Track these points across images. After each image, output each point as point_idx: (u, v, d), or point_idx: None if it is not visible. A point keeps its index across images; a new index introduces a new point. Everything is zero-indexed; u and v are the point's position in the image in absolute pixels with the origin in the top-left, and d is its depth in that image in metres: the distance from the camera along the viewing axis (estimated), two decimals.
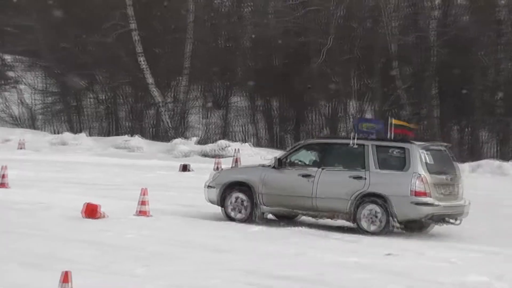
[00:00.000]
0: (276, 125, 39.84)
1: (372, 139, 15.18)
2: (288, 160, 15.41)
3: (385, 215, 14.37)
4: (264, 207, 15.33)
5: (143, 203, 15.58)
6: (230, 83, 41.66)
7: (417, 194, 14.29)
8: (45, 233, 13.05)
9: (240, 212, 15.41)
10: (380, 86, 37.44)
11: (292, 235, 14.16)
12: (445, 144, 16.38)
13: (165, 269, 10.64)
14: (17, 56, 42.67)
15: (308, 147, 15.86)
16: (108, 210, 15.02)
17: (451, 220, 14.89)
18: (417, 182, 14.29)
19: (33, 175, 22.25)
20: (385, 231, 14.41)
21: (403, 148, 14.67)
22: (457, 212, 14.94)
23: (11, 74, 42.23)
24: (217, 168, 27.45)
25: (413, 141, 14.95)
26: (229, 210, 15.50)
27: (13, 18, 39.38)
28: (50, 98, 40.85)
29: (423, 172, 14.40)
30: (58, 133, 37.83)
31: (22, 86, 40.90)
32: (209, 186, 15.90)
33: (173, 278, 10.07)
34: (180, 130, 38.48)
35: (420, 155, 14.54)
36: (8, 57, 42.76)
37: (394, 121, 15.98)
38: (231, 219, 15.40)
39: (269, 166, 15.64)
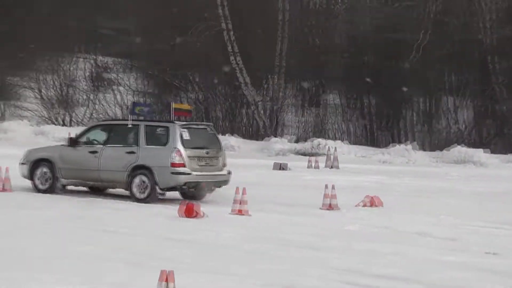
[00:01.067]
0: (372, 122, 39.55)
1: (144, 120, 17.54)
2: (81, 139, 17.79)
3: (151, 184, 16.67)
4: (63, 179, 17.69)
5: (240, 202, 15.72)
6: (323, 81, 41.56)
7: (174, 165, 16.63)
8: (144, 232, 13.29)
9: (44, 184, 17.74)
10: (476, 81, 36.74)
11: (387, 235, 14.07)
12: (209, 123, 19.83)
13: (262, 267, 10.71)
14: (114, 58, 43.57)
15: (97, 128, 18.48)
16: (205, 209, 15.21)
17: (214, 187, 17.54)
18: (174, 155, 16.52)
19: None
20: (151, 198, 16.73)
21: (166, 127, 17.12)
22: (216, 180, 17.48)
23: (109, 76, 43.16)
24: (312, 167, 27.51)
25: (175, 122, 17.39)
26: (37, 182, 17.89)
27: (111, 21, 40.26)
28: (147, 99, 41.55)
29: (180, 146, 16.70)
30: None
31: (119, 88, 41.74)
32: (21, 163, 18.25)
33: (270, 277, 10.12)
34: (275, 128, 38.61)
35: (179, 133, 16.90)
36: (106, 59, 43.70)
37: (174, 105, 18.85)
38: (38, 190, 17.77)
39: (67, 145, 17.99)
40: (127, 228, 13.63)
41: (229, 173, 17.89)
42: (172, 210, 15.24)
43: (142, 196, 16.83)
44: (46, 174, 17.82)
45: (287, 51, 38.90)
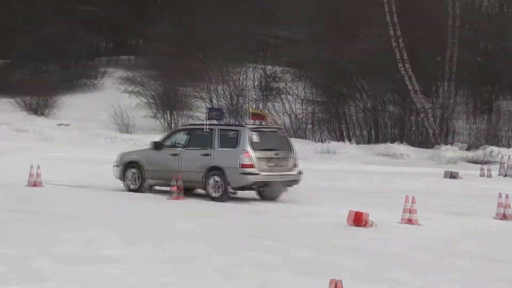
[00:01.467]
0: None
1: (219, 124, 18.91)
2: (164, 143, 19.34)
3: (223, 183, 17.90)
4: (150, 180, 19.26)
5: (410, 210, 15.42)
6: (497, 87, 40.26)
7: (244, 166, 17.77)
8: (313, 241, 13.26)
9: (134, 184, 19.32)
10: None
11: None
12: (279, 126, 21.68)
13: (434, 278, 10.42)
14: (283, 68, 44.00)
15: (178, 132, 20.02)
16: (374, 217, 15.02)
17: (286, 187, 18.61)
18: (243, 156, 17.64)
19: (300, 183, 22.76)
20: (224, 197, 18.03)
21: (237, 131, 18.38)
22: (286, 180, 18.50)
23: (277, 85, 43.63)
24: (484, 175, 26.70)
25: (245, 125, 18.86)
26: (128, 183, 19.48)
27: (280, 31, 40.73)
28: (315, 107, 41.69)
29: (249, 148, 17.79)
30: (324, 141, 38.49)
31: (289, 97, 42.09)
32: (115, 166, 19.90)
33: None
34: (445, 136, 37.77)
35: (249, 136, 18.04)
36: (275, 69, 44.21)
37: (251, 110, 20.37)
38: (130, 190, 19.29)
39: (152, 148, 19.38)
40: (297, 236, 13.64)
41: (300, 173, 18.85)
42: (341, 219, 15.15)
43: (216, 195, 18.14)
44: (135, 175, 19.40)
45: (457, 57, 37.98)
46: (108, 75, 53.98)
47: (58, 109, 47.01)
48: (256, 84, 43.49)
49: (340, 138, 38.92)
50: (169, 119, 43.26)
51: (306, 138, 40.02)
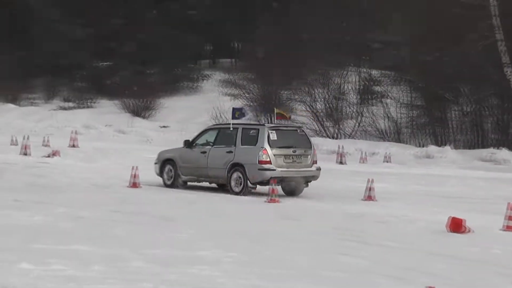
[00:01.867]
0: None
1: (242, 123, 20.28)
2: (195, 142, 20.70)
3: (244, 179, 19.13)
4: (183, 176, 20.58)
5: (510, 217, 15.00)
6: None
7: (261, 162, 18.95)
8: (409, 246, 13.07)
9: (170, 180, 20.75)
10: None
11: None
12: (299, 126, 23.11)
13: None
14: (383, 71, 43.58)
15: (208, 131, 21.05)
16: (473, 224, 14.68)
17: (305, 184, 19.71)
18: (261, 153, 18.85)
19: (397, 188, 22.51)
20: (244, 191, 19.23)
21: (257, 129, 19.71)
22: (303, 176, 19.54)
23: (377, 89, 43.23)
24: None
25: (265, 124, 21.04)
26: (165, 178, 20.94)
27: (380, 34, 40.37)
28: (415, 111, 41.13)
29: (267, 146, 19.04)
30: (423, 146, 37.92)
31: (388, 100, 41.66)
32: (155, 163, 21.43)
33: None
34: None
35: (267, 134, 19.29)
36: (375, 72, 43.83)
37: (276, 110, 21.79)
38: (166, 185, 20.78)
39: (185, 147, 20.82)
40: (391, 241, 13.46)
41: (318, 169, 19.92)
42: (439, 224, 14.87)
43: (238, 189, 19.43)
44: (171, 172, 20.79)
45: None
46: (209, 78, 54.64)
47: (158, 112, 47.82)
48: (356, 87, 43.20)
49: (442, 143, 38.24)
50: (269, 122, 43.39)
51: (405, 142, 39.50)
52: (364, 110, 42.05)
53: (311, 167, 19.79)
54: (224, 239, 12.92)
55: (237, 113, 20.71)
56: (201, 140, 20.68)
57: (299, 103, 43.04)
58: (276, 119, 21.40)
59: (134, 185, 20.10)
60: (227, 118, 42.83)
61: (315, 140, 38.15)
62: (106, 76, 55.30)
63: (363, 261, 11.54)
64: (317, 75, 42.91)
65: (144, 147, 35.82)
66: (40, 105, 53.04)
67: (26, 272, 9.80)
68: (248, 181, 19.24)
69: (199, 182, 20.56)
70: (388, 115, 40.77)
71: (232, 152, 19.63)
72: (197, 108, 47.15)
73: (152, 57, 53.54)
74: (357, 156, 34.16)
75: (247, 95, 44.56)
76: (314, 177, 19.84)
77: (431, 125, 40.24)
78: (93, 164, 26.52)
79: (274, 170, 19.11)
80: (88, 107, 51.83)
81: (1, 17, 57.35)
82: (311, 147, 20.03)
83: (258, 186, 19.46)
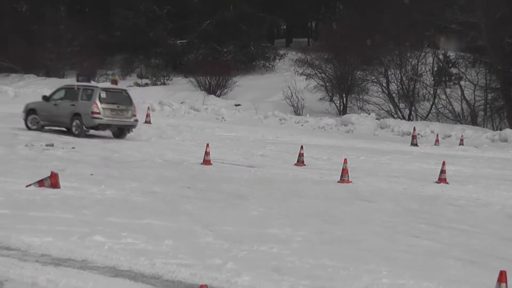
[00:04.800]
0: None
1: (83, 85, 26.46)
2: (51, 97, 26.98)
3: (81, 125, 25.60)
4: (42, 122, 26.64)
5: None
6: None
7: (93, 113, 25.34)
8: (482, 230, 12.87)
9: (34, 125, 26.71)
10: None
11: None
12: (125, 89, 28.41)
13: None
14: (460, 53, 42.88)
15: (61, 89, 27.32)
16: None
17: (130, 131, 26.49)
18: (93, 106, 25.26)
19: (471, 171, 22.17)
20: (82, 133, 25.60)
21: (92, 89, 26.01)
22: (124, 124, 26.20)
23: (454, 70, 42.60)
24: None
25: (97, 86, 26.73)
26: (29, 124, 26.82)
27: (458, 15, 39.67)
28: (491, 94, 40.40)
29: (98, 101, 25.40)
30: (499, 129, 37.26)
31: (464, 83, 41.02)
32: (22, 112, 27.39)
33: None
34: None
35: (99, 93, 25.60)
36: (451, 54, 43.16)
37: (111, 77, 28.58)
38: (29, 129, 26.65)
39: (43, 100, 27.01)
40: (465, 224, 13.28)
41: (136, 121, 26.37)
42: None
43: (76, 132, 25.65)
44: (35, 119, 27.00)
45: None
46: (284, 57, 54.58)
47: (232, 90, 48.00)
48: (432, 69, 42.62)
49: None
50: (344, 102, 43.18)
51: (480, 125, 38.86)
52: (439, 92, 41.49)
53: (130, 118, 26.07)
54: (294, 218, 12.91)
55: (81, 78, 27.51)
56: (55, 96, 26.90)
57: (373, 83, 42.70)
58: (111, 83, 28.03)
59: (206, 162, 20.22)
60: (301, 97, 42.85)
61: (389, 122, 37.90)
62: (182, 53, 55.72)
63: (435, 244, 11.41)
64: (393, 56, 42.47)
65: (217, 124, 36.01)
66: None
67: (99, 245, 9.97)
68: (84, 126, 25.55)
69: (52, 126, 26.71)
70: (464, 97, 40.15)
71: (74, 105, 25.80)
72: (271, 87, 47.19)
73: (228, 35, 53.69)
74: (431, 138, 33.76)
75: (321, 75, 44.39)
76: (132, 126, 26.35)
77: (508, 108, 39.48)
78: (166, 140, 26.78)
79: (102, 119, 25.38)
80: (163, 84, 52.34)
81: None
82: (131, 104, 26.30)
83: (94, 131, 25.94)
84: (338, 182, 18.12)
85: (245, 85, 48.33)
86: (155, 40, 54.40)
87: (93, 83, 27.85)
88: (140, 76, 54.17)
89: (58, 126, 26.67)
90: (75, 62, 55.55)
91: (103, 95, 25.62)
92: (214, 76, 48.03)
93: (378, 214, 14.03)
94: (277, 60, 55.12)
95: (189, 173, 18.29)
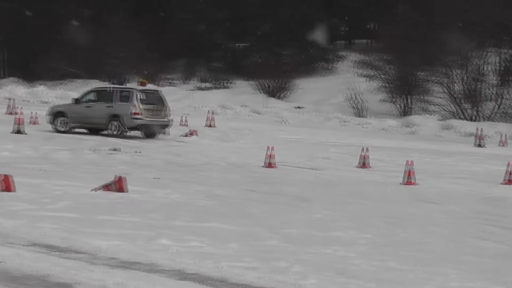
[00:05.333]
0: None
1: (118, 87, 27.03)
2: (81, 99, 27.40)
3: (121, 126, 26.06)
4: (72, 124, 26.83)
5: None
6: None
7: (134, 114, 26.02)
8: None
9: (63, 127, 26.80)
10: None
11: None
12: (158, 89, 29.79)
13: None
14: None
15: (92, 92, 28.09)
16: None
17: (162, 130, 27.22)
18: (133, 107, 25.91)
19: None
20: (121, 133, 26.09)
21: (129, 91, 26.77)
22: (161, 124, 26.95)
23: None
24: None
25: (135, 88, 27.36)
26: (58, 127, 26.86)
27: None
28: None
29: (137, 102, 26.07)
30: None
31: None
32: (47, 115, 27.64)
33: None
34: None
35: (137, 94, 26.30)
36: None
37: (140, 79, 29.58)
38: (57, 131, 26.68)
39: (72, 102, 27.54)
40: None
41: (170, 120, 27.29)
42: None
43: (115, 133, 26.14)
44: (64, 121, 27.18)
45: None
46: (344, 59, 54.35)
47: (293, 92, 47.97)
48: (496, 68, 41.98)
49: None
50: (406, 103, 42.81)
51: None
52: (505, 92, 40.84)
53: (165, 118, 26.93)
54: (359, 221, 12.86)
55: (114, 80, 28.58)
56: (86, 98, 27.42)
57: (436, 84, 42.25)
58: (140, 85, 27.90)
59: (270, 165, 20.26)
60: (363, 99, 42.60)
61: (452, 122, 37.46)
62: (243, 56, 55.88)
63: (504, 246, 11.26)
64: (456, 56, 41.97)
65: (278, 127, 36.05)
66: (178, 85, 54.21)
67: (166, 248, 10.06)
68: (124, 127, 26.08)
69: (83, 128, 27.20)
70: None
71: (111, 106, 26.33)
72: (332, 89, 47.02)
73: (288, 37, 53.69)
74: (497, 139, 33.25)
75: (382, 76, 44.09)
76: (167, 126, 27.19)
77: None
78: (228, 143, 26.91)
79: (142, 119, 26.19)
80: (224, 87, 52.57)
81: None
82: (164, 105, 27.13)
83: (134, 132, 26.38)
84: (402, 184, 18.00)
85: (306, 87, 48.25)
86: (215, 43, 54.67)
87: (127, 85, 28.76)
88: (202, 80, 54.48)
89: (92, 128, 27.08)
90: (137, 67, 56.14)
91: (141, 96, 26.42)
92: (275, 78, 48.05)
93: (444, 216, 13.90)
94: (338, 62, 54.91)
95: (253, 176, 18.34)
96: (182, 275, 8.83)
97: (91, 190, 14.45)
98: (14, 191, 13.80)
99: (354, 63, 47.61)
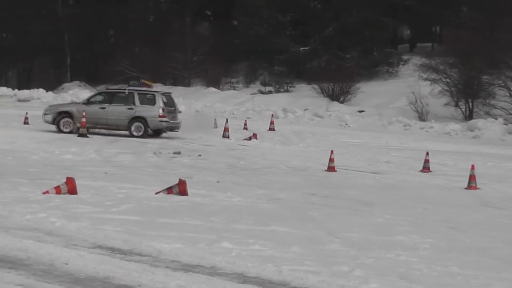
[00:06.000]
0: None
1: (137, 90, 27.90)
2: (91, 100, 28.21)
3: (144, 127, 27.32)
4: (79, 124, 26.99)
5: None
6: None
7: (161, 116, 27.41)
8: None
9: (67, 128, 27.45)
10: None
11: None
12: (170, 92, 30.62)
13: None
14: None
15: (100, 94, 29.24)
16: None
17: (176, 130, 28.51)
18: (161, 111, 27.39)
19: None
20: (145, 135, 27.22)
21: (152, 94, 27.82)
22: (177, 126, 28.42)
23: None
24: None
25: (158, 91, 28.63)
26: (62, 127, 27.49)
27: None
28: None
29: (163, 105, 27.53)
30: None
31: None
32: (45, 114, 28.14)
33: None
34: None
35: (162, 98, 27.68)
36: None
37: (143, 81, 29.73)
38: (61, 131, 27.23)
39: (82, 103, 28.40)
40: None
41: (180, 121, 28.56)
42: None
43: (138, 134, 27.26)
44: (69, 121, 27.88)
45: None
46: (407, 63, 53.94)
47: (355, 96, 47.79)
48: None
49: None
50: (470, 107, 42.30)
51: None
52: None
53: (178, 119, 28.45)
54: (421, 225, 12.74)
55: (132, 83, 28.87)
56: (95, 99, 28.04)
57: (500, 88, 41.66)
58: (143, 86, 28.45)
59: (331, 168, 20.20)
60: (425, 103, 42.20)
61: None
62: (305, 60, 55.88)
63: None
64: None
65: (340, 131, 35.93)
66: (240, 89, 54.44)
67: (227, 251, 10.10)
68: (149, 129, 27.35)
69: (96, 129, 27.74)
70: None
71: (133, 109, 27.34)
72: (395, 93, 46.73)
73: (351, 41, 53.52)
74: None
75: (446, 80, 43.63)
76: (180, 124, 28.51)
77: None
78: (290, 147, 26.91)
79: (168, 121, 27.65)
80: (286, 91, 52.62)
81: (205, 3, 59.32)
82: (176, 107, 28.63)
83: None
84: (465, 188, 17.79)
85: (369, 91, 48.02)
86: (278, 47, 54.78)
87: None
88: (264, 84, 54.63)
89: (108, 129, 27.81)
90: (200, 71, 56.57)
91: (165, 99, 27.79)
92: (337, 82, 47.93)
93: (508, 221, 13.69)
94: (400, 66, 54.54)
95: (314, 180, 18.31)
96: (243, 278, 8.87)
97: (155, 193, 14.59)
98: (77, 193, 14.03)
99: (417, 66, 47.23)
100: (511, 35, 40.21)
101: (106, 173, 17.53)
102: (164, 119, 27.37)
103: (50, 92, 53.71)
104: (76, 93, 51.59)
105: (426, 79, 44.04)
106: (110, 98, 27.95)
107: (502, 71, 41.91)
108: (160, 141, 26.36)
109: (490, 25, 42.95)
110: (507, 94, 41.05)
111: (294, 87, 52.99)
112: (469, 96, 42.45)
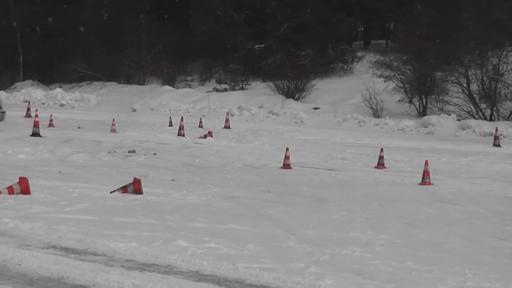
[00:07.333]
0: None
1: None
2: None
3: None
4: None
5: None
6: None
7: None
8: None
9: None
10: None
11: None
12: None
13: None
14: None
15: None
16: None
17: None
18: None
19: None
20: None
21: None
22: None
23: None
24: None
25: None
26: None
27: None
28: None
29: None
30: None
31: None
32: None
33: None
34: None
35: None
36: None
37: None
38: None
39: None
40: None
41: (3, 112, 28.63)
42: None
43: None
44: None
45: None
46: (362, 60, 54.30)
47: (310, 93, 47.95)
48: None
49: None
50: (424, 103, 42.68)
51: None
52: None
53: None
54: (376, 221, 12.84)
55: None
56: None
57: (453, 84, 42.09)
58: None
59: (287, 166, 20.25)
60: (380, 99, 42.54)
61: (470, 122, 37.27)
62: (260, 58, 55.95)
63: None
64: (473, 56, 41.78)
65: (295, 128, 36.02)
66: (195, 87, 54.33)
67: (183, 250, 10.08)
68: None
69: None
70: None
71: None
72: (349, 90, 46.97)
73: (306, 39, 53.70)
74: None
75: (400, 77, 43.99)
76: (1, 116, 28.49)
77: None
78: (245, 145, 26.92)
79: None
80: (241, 89, 52.63)
81: (160, 1, 59.10)
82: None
83: None
84: (419, 184, 17.95)
85: (324, 88, 48.21)
86: (233, 45, 54.75)
87: None
88: (219, 82, 54.57)
89: None
90: (155, 69, 56.33)
91: None
92: (292, 80, 48.05)
93: (461, 216, 13.84)
94: (355, 63, 54.86)
95: (270, 177, 18.34)
96: (199, 277, 8.85)
97: (110, 192, 14.50)
98: (31, 193, 13.88)
99: (372, 63, 47.51)
100: (464, 32, 40.67)
101: (60, 172, 17.38)
102: None
103: (2, 92, 53.03)
104: (28, 92, 51.03)
105: (380, 76, 44.30)
106: None
107: (455, 67, 42.34)
108: (116, 140, 26.17)
109: (443, 21, 43.36)
110: (460, 90, 41.47)
111: (250, 84, 52.98)
112: (422, 92, 42.79)
